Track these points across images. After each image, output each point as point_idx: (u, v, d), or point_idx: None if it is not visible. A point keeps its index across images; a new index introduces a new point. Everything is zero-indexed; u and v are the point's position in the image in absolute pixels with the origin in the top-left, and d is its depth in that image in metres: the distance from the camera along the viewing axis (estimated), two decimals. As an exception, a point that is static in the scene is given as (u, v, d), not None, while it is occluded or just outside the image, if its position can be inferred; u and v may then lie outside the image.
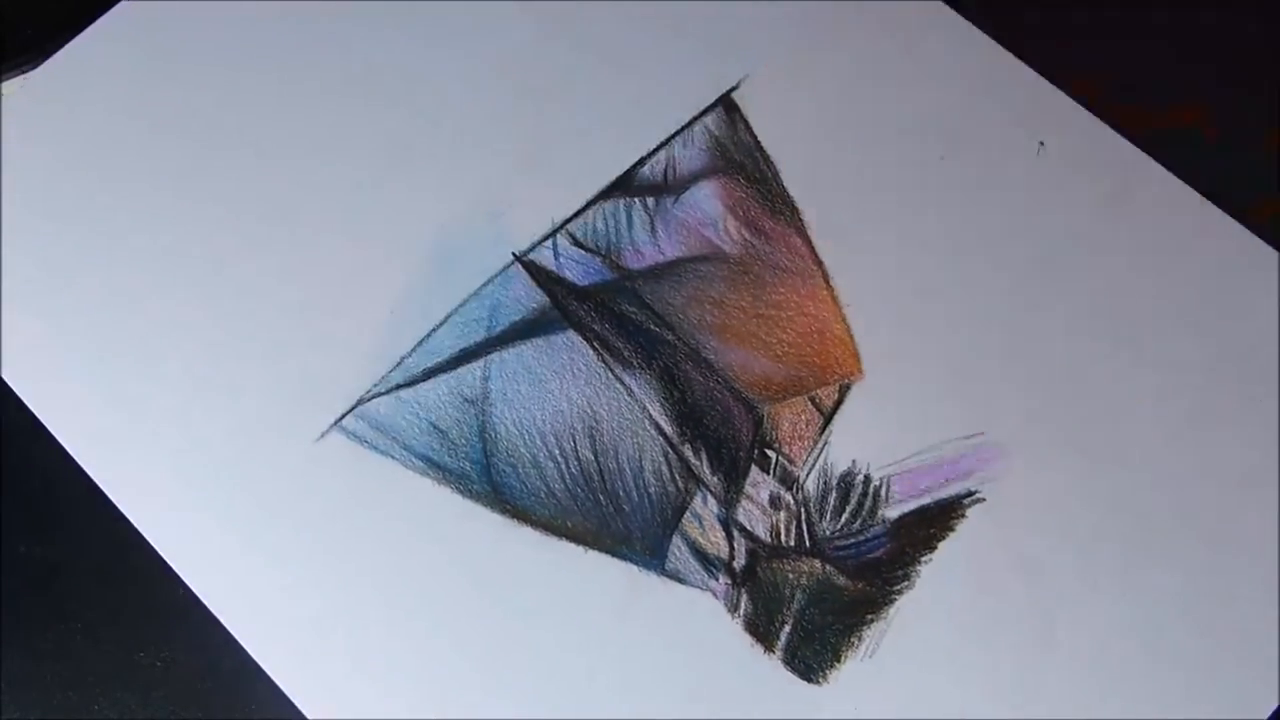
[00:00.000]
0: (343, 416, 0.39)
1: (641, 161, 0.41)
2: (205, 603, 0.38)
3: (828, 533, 0.38)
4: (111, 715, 0.38)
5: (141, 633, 0.39)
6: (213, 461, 0.39)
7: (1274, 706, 0.36)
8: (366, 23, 0.43)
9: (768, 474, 0.38)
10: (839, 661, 0.37)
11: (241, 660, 0.38)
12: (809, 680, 0.37)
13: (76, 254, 0.41)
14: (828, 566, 0.37)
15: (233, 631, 0.37)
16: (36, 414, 0.39)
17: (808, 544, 0.38)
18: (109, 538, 0.39)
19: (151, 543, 0.38)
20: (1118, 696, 0.36)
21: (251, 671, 0.37)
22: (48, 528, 0.39)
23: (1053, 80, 0.42)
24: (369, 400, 0.39)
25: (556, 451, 0.39)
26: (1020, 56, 0.42)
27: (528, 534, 0.38)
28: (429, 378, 0.40)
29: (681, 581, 0.38)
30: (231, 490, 0.39)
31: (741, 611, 0.37)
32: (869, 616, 0.37)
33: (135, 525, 0.38)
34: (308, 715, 0.36)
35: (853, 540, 0.38)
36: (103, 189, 0.41)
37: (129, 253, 0.41)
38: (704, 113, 0.41)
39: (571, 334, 0.40)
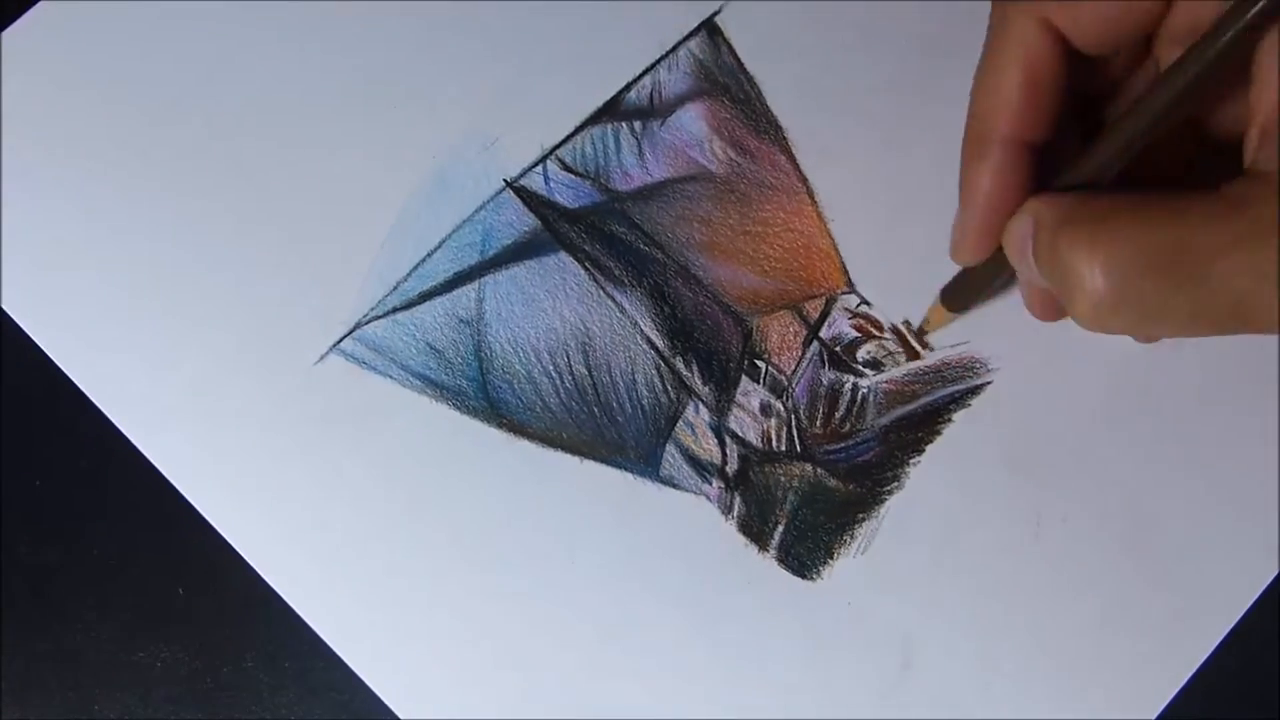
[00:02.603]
0: (341, 339, 0.40)
1: (628, 87, 0.42)
2: (210, 521, 0.38)
3: (817, 437, 0.39)
4: (112, 715, 0.38)
5: (142, 633, 0.39)
6: (213, 387, 0.40)
7: (1249, 604, 0.37)
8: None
9: (758, 383, 0.39)
10: (831, 558, 0.38)
11: (243, 661, 0.39)
12: (803, 576, 0.38)
13: (64, 188, 0.41)
14: (818, 470, 0.38)
15: (235, 546, 0.38)
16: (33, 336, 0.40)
17: (798, 449, 0.39)
18: (110, 537, 0.40)
19: (156, 465, 0.39)
20: (1102, 590, 0.37)
21: (253, 672, 0.38)
22: (48, 527, 0.40)
23: None
24: (366, 324, 0.40)
25: (551, 367, 0.40)
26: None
27: (524, 446, 0.39)
28: (425, 300, 0.40)
29: (676, 487, 0.38)
30: (233, 414, 0.39)
31: (735, 513, 0.38)
32: (860, 516, 0.38)
33: (137, 446, 0.39)
34: (310, 623, 0.37)
35: (842, 445, 0.39)
36: (91, 120, 0.42)
37: (119, 181, 0.41)
38: (688, 37, 0.42)
39: (563, 255, 0.40)
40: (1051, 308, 0.35)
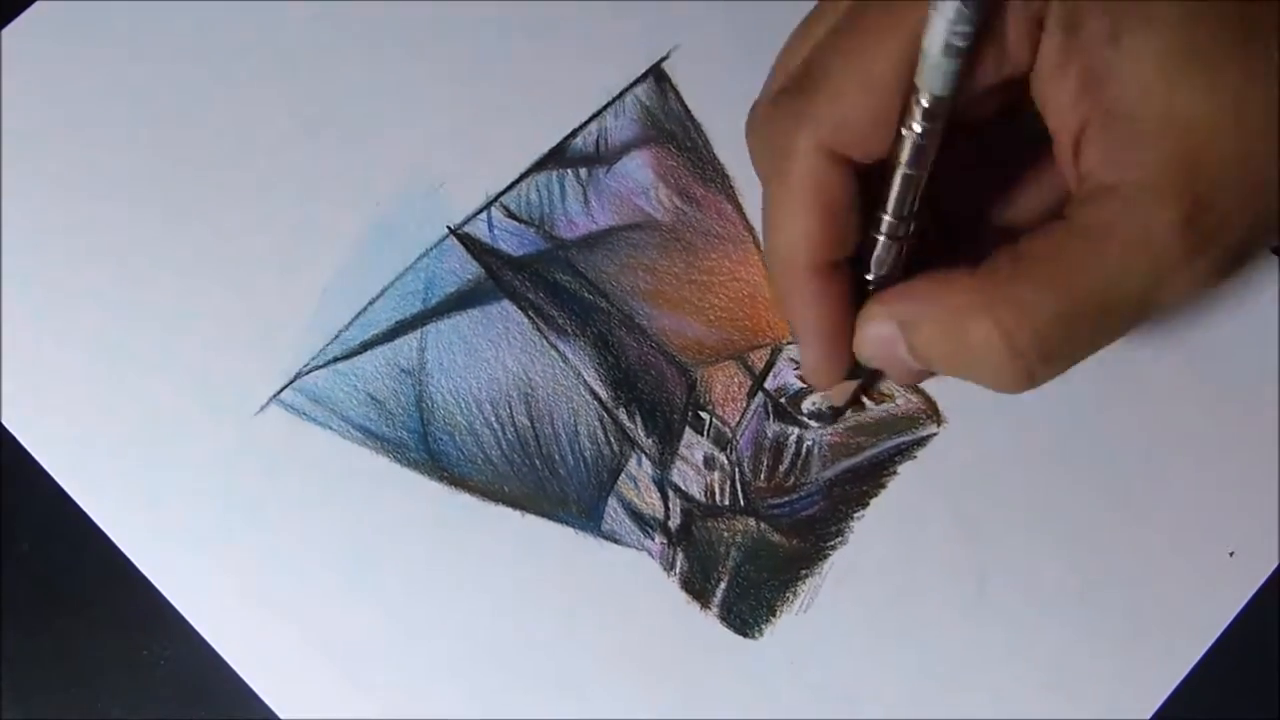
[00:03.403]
0: (281, 390, 0.40)
1: (574, 133, 0.42)
2: (149, 577, 0.38)
3: (761, 491, 0.38)
4: (113, 715, 0.38)
5: (143, 632, 0.38)
6: (152, 439, 0.39)
7: (1194, 662, 0.37)
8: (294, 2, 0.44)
9: (702, 435, 0.39)
10: (774, 616, 0.37)
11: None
12: (745, 635, 0.37)
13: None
14: (762, 524, 0.38)
15: (177, 606, 0.37)
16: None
17: (742, 503, 0.38)
18: (110, 537, 0.39)
19: (91, 516, 0.38)
20: (1048, 646, 0.37)
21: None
22: (49, 527, 0.39)
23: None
24: (307, 373, 0.40)
25: (493, 418, 0.39)
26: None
27: (465, 500, 0.39)
28: (366, 349, 0.40)
29: (618, 542, 0.38)
30: (172, 466, 0.39)
31: (677, 570, 0.38)
32: (803, 571, 0.38)
33: (73, 498, 0.38)
34: (251, 685, 0.37)
35: (786, 499, 0.38)
36: (32, 164, 0.42)
37: (62, 231, 0.41)
38: (635, 83, 0.42)
39: (506, 304, 0.40)
40: (836, 372, 0.34)
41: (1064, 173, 0.29)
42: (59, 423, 0.39)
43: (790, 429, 0.39)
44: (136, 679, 0.38)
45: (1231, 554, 0.37)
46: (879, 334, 0.31)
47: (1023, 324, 0.28)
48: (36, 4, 0.43)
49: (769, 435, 0.39)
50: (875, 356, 0.32)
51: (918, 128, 0.28)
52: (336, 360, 0.40)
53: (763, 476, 0.38)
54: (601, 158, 0.41)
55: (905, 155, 0.29)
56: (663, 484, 0.38)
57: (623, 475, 0.39)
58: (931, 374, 0.33)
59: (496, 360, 0.40)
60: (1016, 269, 0.28)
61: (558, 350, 0.40)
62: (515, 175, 0.41)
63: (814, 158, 0.29)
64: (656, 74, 0.42)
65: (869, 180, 0.30)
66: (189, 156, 0.42)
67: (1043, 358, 0.29)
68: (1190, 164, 0.27)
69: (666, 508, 0.38)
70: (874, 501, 0.38)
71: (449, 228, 0.41)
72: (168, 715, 0.38)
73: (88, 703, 0.38)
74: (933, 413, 0.39)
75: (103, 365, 0.40)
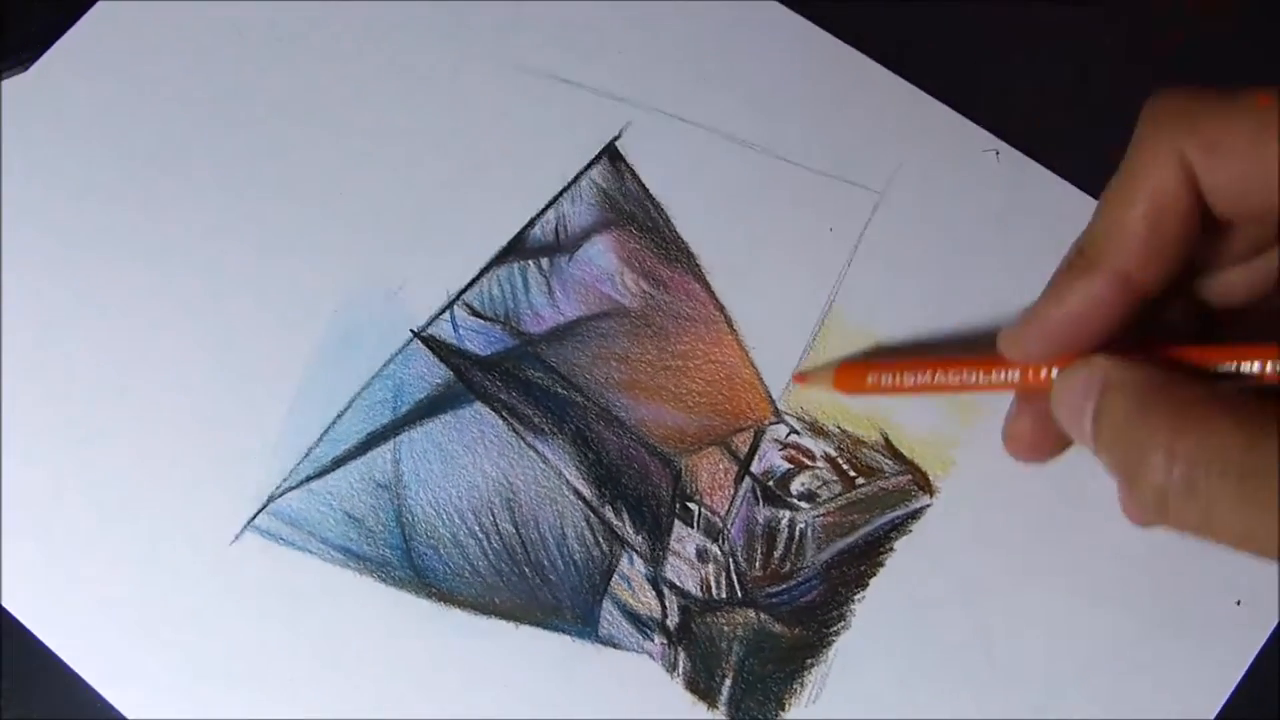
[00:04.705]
0: (255, 516, 0.38)
1: (532, 222, 0.40)
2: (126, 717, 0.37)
3: (758, 580, 0.37)
4: (114, 715, 0.37)
5: None
6: (127, 579, 0.38)
7: (1218, 710, 0.36)
8: (234, 107, 0.42)
9: (692, 527, 0.38)
10: (783, 709, 0.36)
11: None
12: (754, 733, 0.36)
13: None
14: (762, 615, 0.37)
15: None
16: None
17: (739, 594, 0.37)
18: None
19: (68, 663, 0.37)
20: (1061, 714, 0.36)
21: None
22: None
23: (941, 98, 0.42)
24: (280, 496, 0.39)
25: (476, 528, 0.38)
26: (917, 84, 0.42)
27: (456, 616, 0.38)
28: (338, 466, 0.39)
29: (617, 647, 0.37)
30: (149, 606, 0.38)
31: (680, 670, 0.37)
32: (809, 661, 0.37)
33: (48, 646, 0.37)
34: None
35: (784, 586, 0.37)
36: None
37: (20, 362, 0.39)
38: (589, 165, 0.41)
39: (479, 406, 0.39)
40: (1041, 447, 0.34)
41: None
42: (21, 565, 0.38)
43: (781, 512, 0.38)
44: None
45: (1239, 603, 0.37)
46: (1080, 380, 0.30)
47: (1193, 453, 0.26)
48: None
49: (760, 521, 0.38)
50: (1063, 399, 0.30)
51: None
52: (309, 480, 0.39)
53: (758, 565, 0.38)
54: (562, 246, 0.40)
55: None
56: (657, 581, 0.38)
57: (615, 576, 0.38)
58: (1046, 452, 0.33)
59: (475, 466, 0.39)
60: (1233, 403, 0.26)
61: (536, 451, 0.39)
62: (475, 271, 0.40)
63: (1168, 164, 0.28)
64: (611, 154, 0.41)
65: (1211, 241, 0.29)
66: (139, 283, 0.40)
67: (1178, 499, 0.26)
68: None
69: (663, 606, 0.37)
70: (873, 581, 0.37)
71: (412, 331, 0.40)
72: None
73: (88, 702, 0.37)
74: (924, 484, 0.38)
75: (67, 513, 0.38)
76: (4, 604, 0.38)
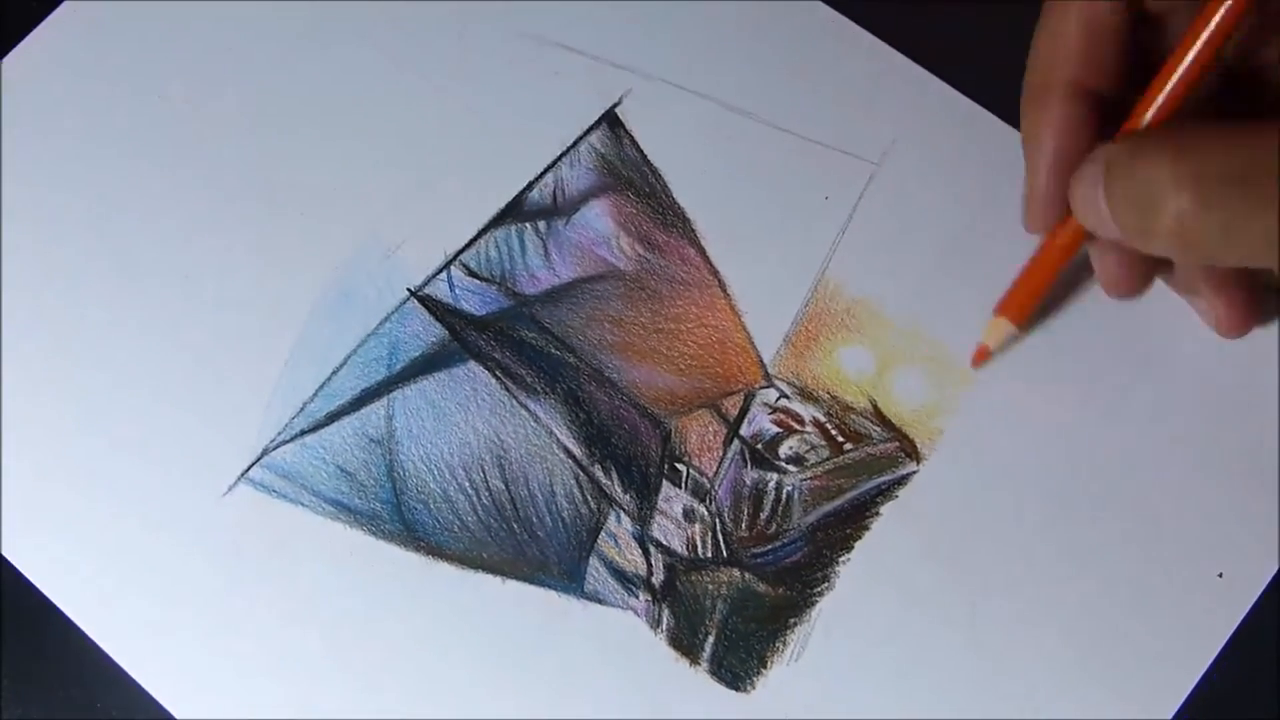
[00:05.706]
0: (249, 468, 0.39)
1: (530, 185, 0.41)
2: (125, 668, 0.37)
3: (744, 541, 0.38)
4: (115, 714, 0.37)
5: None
6: (121, 526, 0.38)
7: (1183, 698, 0.36)
8: (242, 66, 0.43)
9: (679, 488, 0.38)
10: (765, 668, 0.37)
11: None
12: (736, 689, 0.37)
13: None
14: (747, 574, 0.37)
15: (154, 695, 0.37)
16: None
17: (724, 554, 0.38)
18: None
19: (64, 611, 0.37)
20: (1041, 683, 0.36)
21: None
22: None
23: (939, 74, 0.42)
24: (274, 449, 0.39)
25: (466, 484, 0.38)
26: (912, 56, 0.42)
27: (444, 569, 0.38)
28: (332, 421, 0.39)
29: (602, 602, 0.37)
30: (142, 553, 0.38)
31: (664, 627, 0.37)
32: (791, 620, 0.37)
33: (44, 593, 0.37)
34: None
35: (770, 547, 0.38)
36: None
37: (19, 316, 0.40)
38: (589, 131, 0.41)
39: (472, 365, 0.39)
40: (1127, 273, 0.34)
41: None
42: (18, 512, 0.38)
43: (769, 475, 0.38)
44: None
45: (1220, 575, 0.37)
46: (1088, 173, 0.31)
47: (1196, 169, 0.28)
48: None
49: (747, 483, 0.38)
50: (1078, 198, 0.31)
51: None
52: (303, 434, 0.39)
53: (744, 526, 0.38)
54: (560, 209, 0.41)
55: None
56: (643, 540, 0.38)
57: (602, 534, 0.38)
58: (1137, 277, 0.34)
59: (466, 424, 0.39)
60: (1219, 128, 0.28)
61: (528, 410, 0.39)
62: (473, 232, 0.41)
63: None
64: (610, 120, 0.41)
65: (1149, 33, 0.31)
66: (143, 236, 0.41)
67: (1195, 215, 0.28)
68: None
69: (649, 564, 0.38)
70: (858, 544, 0.38)
71: (409, 290, 0.40)
72: (170, 714, 0.37)
73: (89, 702, 0.37)
74: (911, 451, 0.38)
75: (62, 458, 0.39)
76: (4, 553, 0.38)
